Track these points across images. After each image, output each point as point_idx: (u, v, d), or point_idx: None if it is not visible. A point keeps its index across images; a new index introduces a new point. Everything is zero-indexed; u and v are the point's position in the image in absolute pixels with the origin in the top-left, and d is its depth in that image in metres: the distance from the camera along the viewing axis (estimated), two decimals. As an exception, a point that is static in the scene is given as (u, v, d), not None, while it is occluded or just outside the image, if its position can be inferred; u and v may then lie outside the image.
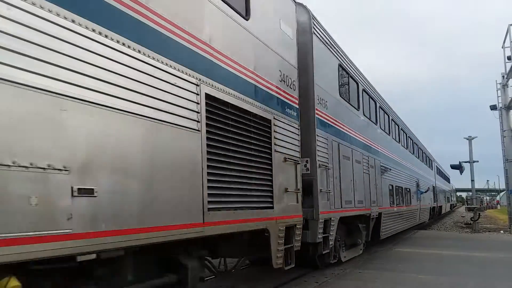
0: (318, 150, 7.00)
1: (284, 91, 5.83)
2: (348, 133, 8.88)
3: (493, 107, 22.15)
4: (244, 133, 4.68)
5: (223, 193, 4.23)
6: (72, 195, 2.58)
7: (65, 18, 2.66)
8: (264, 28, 5.37)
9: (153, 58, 3.37)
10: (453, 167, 34.72)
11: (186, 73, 3.76)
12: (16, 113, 2.33)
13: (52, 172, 2.47)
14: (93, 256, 2.78)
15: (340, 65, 8.68)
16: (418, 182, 19.08)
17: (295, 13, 6.52)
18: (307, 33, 7.08)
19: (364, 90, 10.59)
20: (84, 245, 2.67)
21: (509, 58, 18.88)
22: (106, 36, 2.95)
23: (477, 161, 31.03)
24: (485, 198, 79.94)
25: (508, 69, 19.28)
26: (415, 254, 11.19)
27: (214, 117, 4.15)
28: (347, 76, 9.23)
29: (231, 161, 4.42)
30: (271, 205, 5.21)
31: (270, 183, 5.22)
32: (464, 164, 33.01)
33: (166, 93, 3.47)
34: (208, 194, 3.94)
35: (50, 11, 2.56)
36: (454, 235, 18.77)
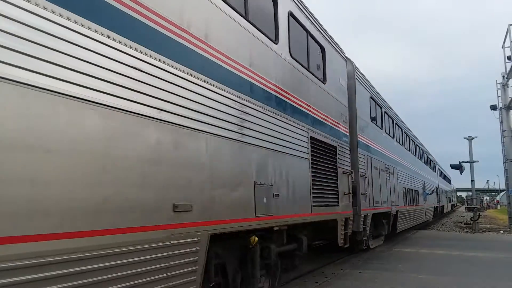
0: (359, 164, 9.81)
1: (342, 125, 8.65)
2: (376, 149, 11.70)
3: (493, 107, 22.58)
4: (324, 157, 7.47)
5: (317, 195, 7.00)
6: (273, 197, 5.36)
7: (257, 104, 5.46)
8: (332, 86, 8.19)
9: (295, 123, 6.24)
10: (453, 167, 35.36)
11: (304, 127, 6.58)
12: (261, 163, 5.14)
13: (269, 186, 5.26)
14: (277, 228, 5.57)
15: (371, 97, 11.57)
16: (424, 184, 21.97)
17: (346, 66, 9.32)
18: (352, 79, 9.91)
19: (385, 112, 13.46)
20: (276, 222, 5.45)
21: (509, 58, 19.35)
22: (290, 120, 5.75)
23: (477, 161, 31.35)
24: (485, 198, 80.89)
25: (508, 69, 19.79)
26: (415, 254, 11.40)
27: (313, 149, 6.93)
28: (375, 104, 12.09)
29: (319, 175, 7.20)
30: (337, 204, 7.99)
31: (336, 189, 8.01)
32: (464, 164, 33.55)
33: (299, 140, 6.33)
34: (312, 196, 6.73)
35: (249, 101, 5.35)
36: (454, 235, 19.08)
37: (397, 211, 13.79)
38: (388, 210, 12.64)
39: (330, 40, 8.13)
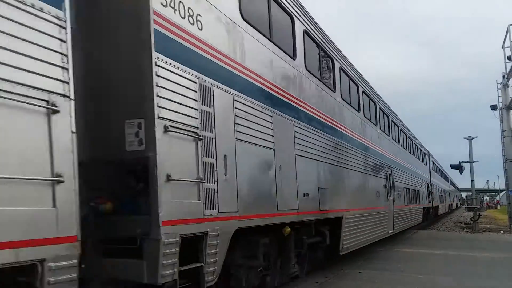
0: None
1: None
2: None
3: (493, 107, 23.34)
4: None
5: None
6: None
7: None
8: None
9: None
10: (453, 167, 36.24)
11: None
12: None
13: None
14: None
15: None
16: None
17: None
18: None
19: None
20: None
21: (509, 58, 19.98)
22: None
23: (477, 161, 32.28)
24: (485, 198, 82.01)
25: (508, 69, 20.51)
26: (415, 254, 11.95)
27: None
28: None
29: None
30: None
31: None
32: (464, 164, 34.37)
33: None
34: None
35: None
36: (454, 235, 19.94)
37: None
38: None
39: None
